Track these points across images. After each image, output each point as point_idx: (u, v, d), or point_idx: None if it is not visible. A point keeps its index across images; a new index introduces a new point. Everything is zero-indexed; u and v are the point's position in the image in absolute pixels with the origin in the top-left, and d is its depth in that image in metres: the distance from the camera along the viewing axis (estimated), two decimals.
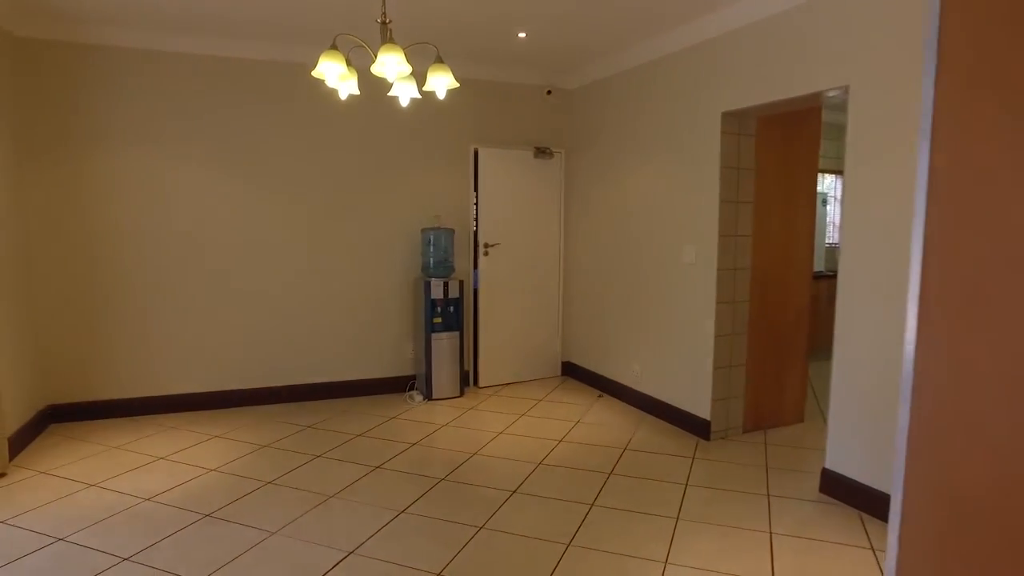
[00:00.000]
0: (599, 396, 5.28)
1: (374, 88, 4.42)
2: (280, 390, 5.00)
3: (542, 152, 5.58)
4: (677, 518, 3.11)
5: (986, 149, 0.96)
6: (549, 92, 5.64)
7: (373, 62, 2.62)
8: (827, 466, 3.39)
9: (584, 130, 5.56)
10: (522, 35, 4.44)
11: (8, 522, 3.00)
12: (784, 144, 4.27)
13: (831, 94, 3.43)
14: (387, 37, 2.64)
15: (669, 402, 4.56)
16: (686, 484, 3.51)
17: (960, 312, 1.02)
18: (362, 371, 5.24)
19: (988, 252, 0.97)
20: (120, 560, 2.68)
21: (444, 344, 5.11)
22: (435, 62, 2.84)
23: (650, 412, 4.75)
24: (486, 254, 5.44)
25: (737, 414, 4.28)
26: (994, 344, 0.97)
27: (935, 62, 1.01)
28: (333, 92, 4.58)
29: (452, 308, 5.11)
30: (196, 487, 3.44)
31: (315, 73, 2.64)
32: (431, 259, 5.15)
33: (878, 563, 2.69)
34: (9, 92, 4.04)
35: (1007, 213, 0.93)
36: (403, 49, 2.64)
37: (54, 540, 2.84)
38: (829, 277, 6.65)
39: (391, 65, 2.56)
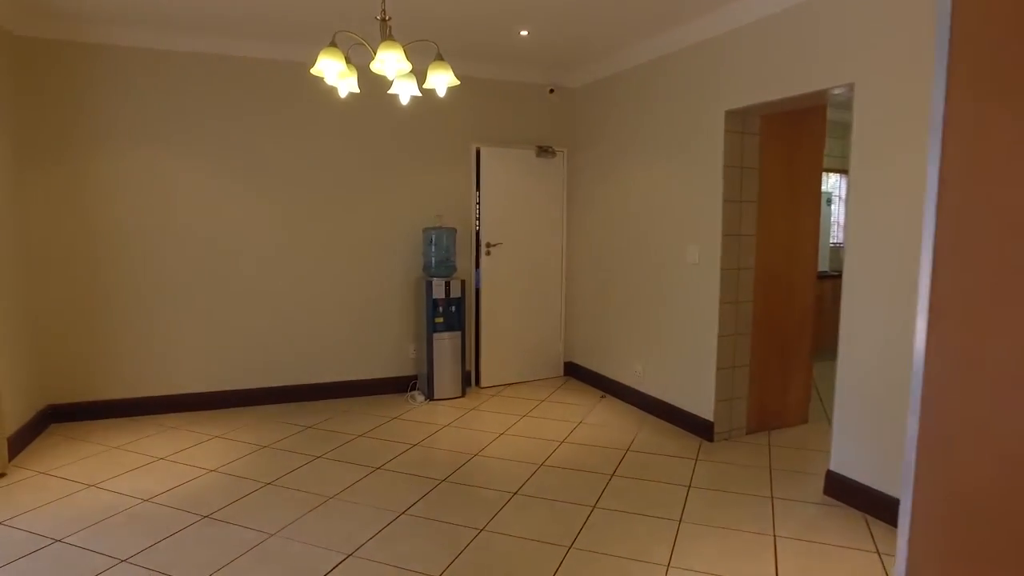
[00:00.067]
0: (602, 397, 5.25)
1: (375, 87, 4.40)
2: (281, 390, 4.98)
3: (544, 151, 5.55)
4: (680, 520, 3.07)
5: (997, 149, 0.93)
6: (552, 91, 5.61)
7: (372, 59, 2.59)
8: (832, 468, 3.35)
9: (587, 129, 5.53)
10: (524, 33, 4.41)
11: (6, 523, 2.99)
12: (788, 143, 4.23)
13: (836, 92, 3.39)
14: (387, 34, 2.61)
15: (672, 403, 4.53)
16: (689, 486, 3.48)
17: (971, 314, 0.98)
18: (363, 371, 5.22)
19: (999, 253, 0.94)
20: (118, 562, 2.66)
21: (446, 344, 5.09)
22: (435, 59, 2.81)
23: (653, 413, 4.72)
24: (488, 253, 5.41)
25: (740, 415, 4.24)
26: (1005, 346, 0.94)
27: (946, 61, 0.98)
28: (334, 91, 4.57)
29: (454, 308, 5.08)
30: (195, 488, 3.42)
31: (314, 71, 2.61)
32: (433, 259, 5.12)
33: (884, 567, 2.65)
34: (9, 91, 4.03)
35: (1019, 214, 0.90)
36: (403, 46, 2.61)
37: (52, 541, 2.82)
38: (833, 277, 6.61)
39: (390, 62, 2.53)
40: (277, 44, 4.64)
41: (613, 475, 3.63)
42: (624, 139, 5.00)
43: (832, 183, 7.54)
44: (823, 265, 6.97)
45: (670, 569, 2.65)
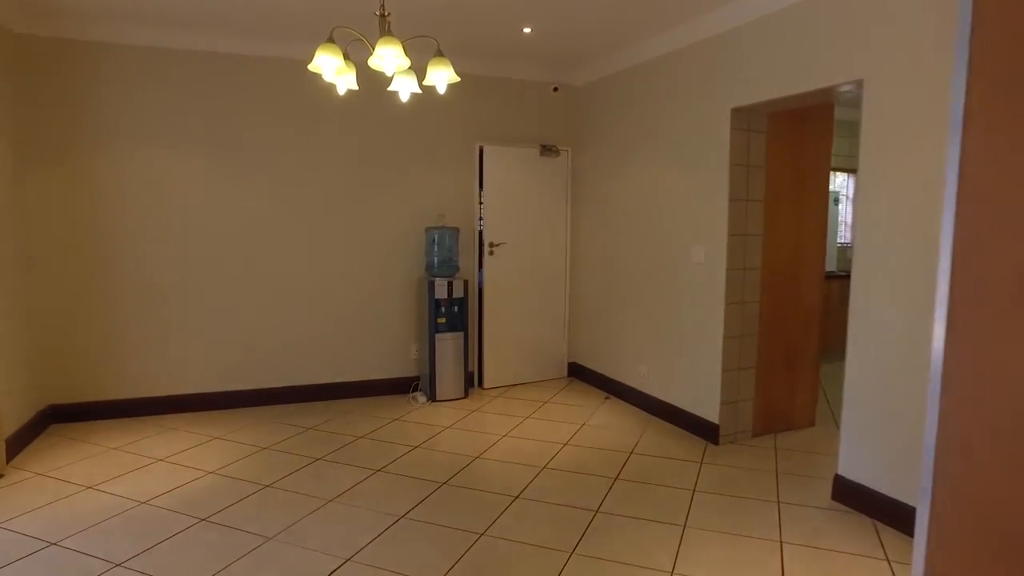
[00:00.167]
0: (606, 398, 5.19)
1: (377, 85, 4.36)
2: (282, 391, 4.94)
3: (548, 150, 5.50)
4: (684, 525, 3.02)
5: (1020, 145, 0.88)
6: (555, 89, 5.56)
7: (371, 56, 2.55)
8: (840, 472, 3.29)
9: (591, 127, 5.47)
10: (527, 30, 4.36)
11: (2, 525, 2.96)
12: (795, 141, 4.16)
13: (844, 89, 3.33)
14: (385, 30, 2.57)
15: (677, 405, 4.46)
16: (693, 490, 3.42)
17: (991, 315, 0.93)
18: (365, 372, 5.18)
19: (1021, 252, 0.88)
20: (112, 566, 2.63)
21: (448, 345, 5.04)
22: (435, 55, 2.77)
23: (657, 415, 4.66)
24: (491, 253, 5.36)
25: (746, 417, 4.18)
26: None
27: (967, 54, 0.92)
28: (334, 88, 4.53)
29: (456, 308, 5.03)
30: (193, 490, 3.38)
31: (311, 67, 2.57)
32: (435, 258, 5.08)
33: (893, 575, 2.59)
34: (8, 90, 4.01)
35: None
36: (402, 42, 2.56)
37: (47, 544, 2.79)
38: (841, 277, 6.53)
39: (389, 58, 2.48)
40: (278, 42, 4.61)
41: (616, 479, 3.58)
42: (629, 138, 4.94)
43: (839, 182, 7.46)
44: (830, 265, 6.89)
45: None
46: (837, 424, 4.45)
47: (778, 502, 3.27)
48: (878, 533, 2.94)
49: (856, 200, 3.20)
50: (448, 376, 5.07)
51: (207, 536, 2.89)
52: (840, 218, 7.47)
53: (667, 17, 4.05)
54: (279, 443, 4.10)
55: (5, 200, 3.90)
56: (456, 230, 5.16)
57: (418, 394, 5.17)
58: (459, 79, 2.91)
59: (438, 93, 4.87)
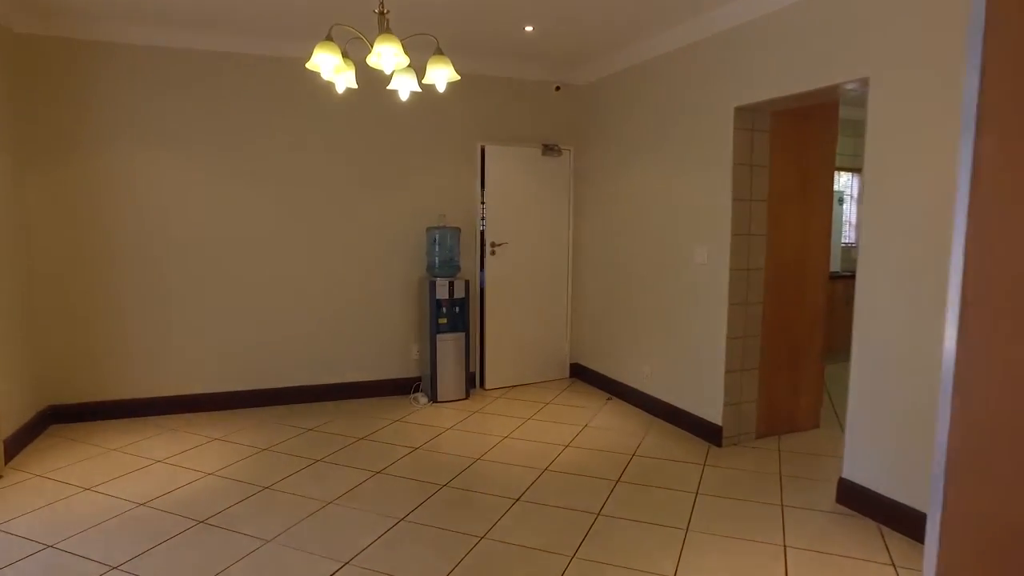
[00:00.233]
0: (608, 399, 5.15)
1: (378, 84, 4.32)
2: (283, 391, 4.92)
3: (550, 149, 5.46)
4: (687, 529, 2.98)
5: None
6: (557, 88, 5.52)
7: (369, 53, 2.52)
8: (844, 475, 3.25)
9: (593, 127, 5.44)
10: (529, 29, 4.33)
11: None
12: (799, 140, 4.12)
13: (849, 87, 3.29)
14: (384, 27, 2.54)
15: (679, 406, 4.43)
16: (696, 493, 3.38)
17: (1006, 315, 0.89)
18: (366, 372, 5.15)
19: None
20: (109, 569, 2.60)
21: (449, 345, 5.01)
22: (435, 53, 2.74)
23: (660, 416, 4.63)
24: (493, 253, 5.33)
25: (750, 419, 4.14)
26: None
27: (980, 48, 0.88)
28: (334, 87, 4.51)
29: (458, 308, 5.00)
30: (192, 492, 3.36)
31: (309, 65, 2.54)
32: (436, 258, 5.05)
33: None
34: (8, 89, 3.99)
35: None
36: (401, 40, 2.53)
37: (43, 547, 2.76)
38: (845, 277, 6.49)
39: (387, 56, 2.45)
40: (278, 41, 4.58)
41: (618, 481, 3.54)
42: (631, 137, 4.91)
43: (843, 182, 7.42)
44: (834, 265, 6.85)
45: None
46: (841, 426, 4.40)
47: (782, 505, 3.23)
48: (883, 537, 2.90)
49: (861, 200, 3.16)
50: (449, 377, 5.04)
51: (205, 538, 2.87)
52: (844, 218, 7.42)
53: (670, 15, 4.02)
54: (279, 444, 4.08)
55: (4, 200, 3.88)
56: (457, 230, 5.13)
57: (419, 395, 5.15)
58: (459, 77, 2.88)
59: (440, 92, 4.86)
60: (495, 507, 3.21)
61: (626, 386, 5.05)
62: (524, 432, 4.36)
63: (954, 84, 2.67)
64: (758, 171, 3.98)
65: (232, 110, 4.62)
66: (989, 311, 0.88)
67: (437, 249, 5.04)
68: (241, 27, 4.33)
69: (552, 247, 5.62)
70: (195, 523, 3.01)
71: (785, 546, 2.82)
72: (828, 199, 4.33)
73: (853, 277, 3.22)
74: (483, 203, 5.36)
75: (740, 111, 3.86)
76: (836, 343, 5.94)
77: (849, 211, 7.50)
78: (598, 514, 3.14)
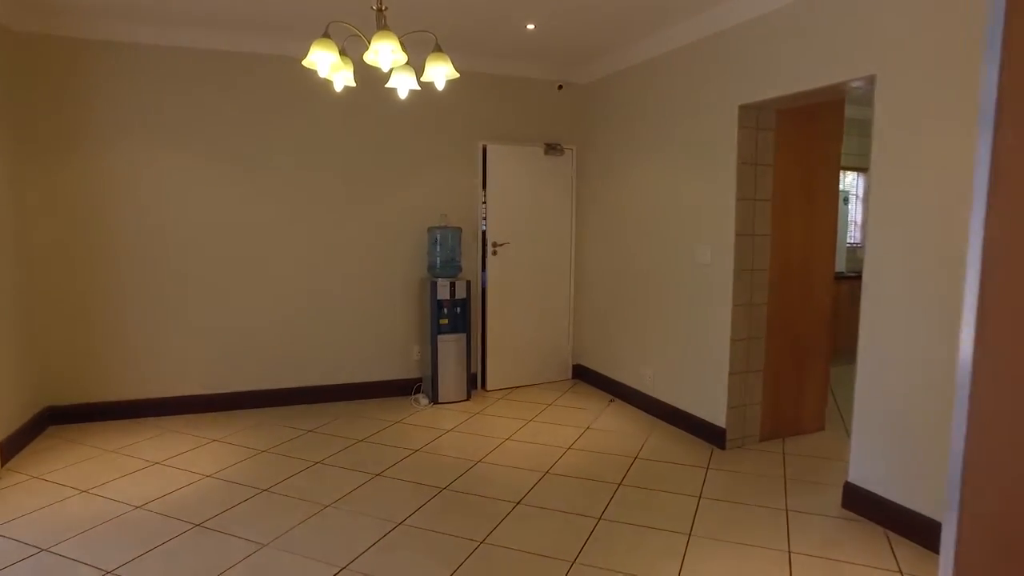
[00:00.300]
0: (611, 401, 5.11)
1: (378, 83, 4.29)
2: (282, 392, 4.89)
3: (553, 148, 5.42)
4: (690, 534, 2.93)
5: None
6: (560, 87, 5.48)
7: (366, 50, 2.48)
8: (850, 480, 3.19)
9: (596, 126, 5.39)
10: (530, 27, 4.28)
11: None
12: (804, 139, 4.07)
13: (855, 85, 3.23)
14: (382, 24, 2.50)
15: (683, 408, 4.38)
16: (699, 496, 3.34)
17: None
18: (367, 373, 5.11)
19: None
20: (103, 573, 2.57)
21: (451, 346, 4.97)
22: (433, 51, 2.69)
23: (663, 419, 4.58)
24: (494, 253, 5.29)
25: (754, 422, 4.09)
26: None
27: (1000, 37, 0.84)
28: (333, 86, 4.47)
29: (459, 309, 4.96)
30: (189, 494, 3.33)
31: (306, 63, 2.51)
32: (438, 259, 5.01)
33: None
34: (6, 88, 3.96)
35: None
36: (399, 38, 2.49)
37: (37, 551, 2.73)
38: (850, 278, 6.43)
39: (385, 53, 2.41)
40: (277, 39, 4.55)
41: (620, 484, 3.50)
42: (635, 136, 4.86)
43: (849, 181, 7.35)
44: (839, 266, 6.80)
45: None
46: (847, 428, 4.35)
47: (786, 510, 3.18)
48: (890, 543, 2.85)
49: (868, 199, 3.11)
50: (450, 378, 5.00)
51: (201, 542, 2.83)
52: (850, 218, 7.36)
53: (673, 12, 3.97)
54: (278, 446, 4.04)
55: (3, 200, 3.86)
56: (459, 230, 5.09)
57: (420, 396, 5.11)
58: (458, 75, 2.83)
59: (441, 91, 4.82)
60: (495, 511, 3.17)
61: (629, 388, 5.00)
62: (525, 434, 4.32)
63: (964, 81, 2.62)
64: (762, 170, 3.93)
65: (231, 110, 4.58)
66: (1009, 315, 0.84)
67: (438, 249, 5.00)
68: (240, 25, 4.29)
69: (554, 247, 5.57)
70: (191, 526, 2.98)
71: (790, 552, 2.77)
72: (833, 199, 4.28)
73: (858, 278, 3.17)
74: (485, 203, 5.31)
75: (744, 109, 3.81)
76: (841, 344, 5.89)
77: (854, 211, 7.44)
78: (599, 518, 3.09)
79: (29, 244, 4.22)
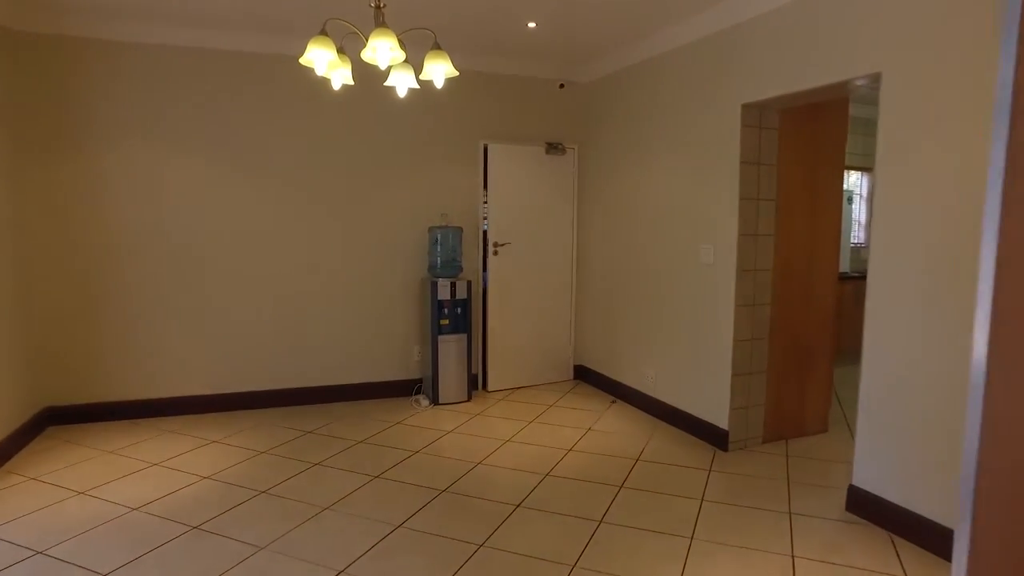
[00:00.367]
0: (612, 402, 5.07)
1: (378, 83, 4.27)
2: (282, 393, 4.86)
3: (554, 148, 5.38)
4: (692, 537, 2.90)
5: None
6: (562, 85, 5.44)
7: (364, 47, 2.45)
8: (854, 483, 3.15)
9: (598, 125, 5.36)
10: (532, 25, 4.25)
11: None
12: (808, 138, 4.03)
13: (859, 83, 3.19)
14: (380, 21, 2.47)
15: (685, 410, 4.34)
16: (702, 499, 3.30)
17: None
18: (367, 374, 5.09)
19: None
20: None
21: (451, 347, 4.94)
22: (432, 48, 2.66)
23: (665, 420, 4.54)
24: (495, 253, 5.26)
25: (757, 423, 4.05)
26: None
27: (1016, 30, 0.80)
28: (334, 85, 4.44)
29: (460, 309, 4.93)
30: (187, 496, 3.30)
31: (303, 60, 2.48)
32: (438, 259, 4.98)
33: None
34: (5, 87, 3.95)
35: None
36: (397, 35, 2.46)
37: (33, 553, 2.71)
38: (854, 279, 6.38)
39: (383, 50, 2.38)
40: (277, 38, 4.52)
41: (622, 486, 3.46)
42: (637, 135, 4.82)
43: (852, 181, 7.30)
44: (843, 266, 6.75)
45: None
46: (851, 430, 4.31)
47: (790, 513, 3.14)
48: (896, 548, 2.81)
49: (873, 199, 3.07)
50: (451, 379, 4.97)
51: (197, 545, 2.81)
52: (853, 217, 7.31)
53: (676, 10, 3.93)
54: (277, 447, 4.02)
55: (2, 199, 3.84)
56: (459, 230, 5.06)
57: (420, 397, 5.08)
58: (457, 73, 2.80)
59: (442, 90, 4.78)
60: (495, 513, 3.14)
61: (631, 389, 4.97)
62: (526, 435, 4.29)
63: (971, 79, 2.58)
64: (766, 170, 3.89)
65: (231, 109, 4.56)
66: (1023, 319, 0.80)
67: (439, 249, 4.97)
68: (239, 25, 4.27)
69: (556, 247, 5.54)
70: (188, 529, 2.95)
71: (793, 556, 2.73)
72: (837, 198, 4.23)
73: (862, 278, 3.13)
74: (486, 202, 5.29)
75: (747, 108, 3.77)
76: (844, 345, 5.84)
77: (858, 211, 7.39)
78: (600, 521, 3.06)
79: (28, 244, 4.20)
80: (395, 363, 5.17)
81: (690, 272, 4.25)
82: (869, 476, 3.08)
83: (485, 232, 5.31)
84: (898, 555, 2.74)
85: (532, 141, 5.35)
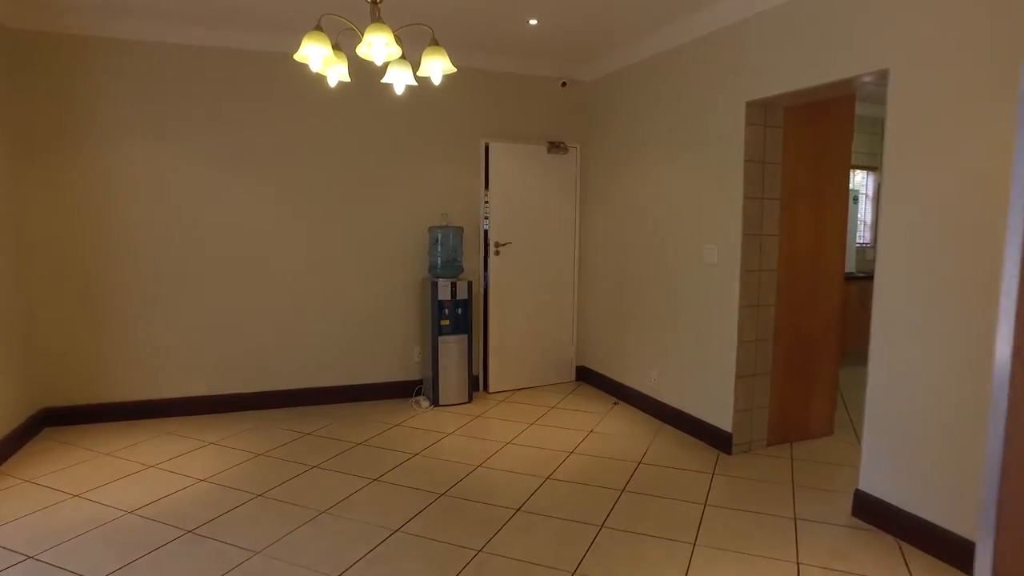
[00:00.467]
0: (615, 404, 5.01)
1: (378, 81, 4.22)
2: (281, 394, 4.82)
3: (556, 147, 5.33)
4: (694, 543, 2.84)
5: None
6: (564, 84, 5.39)
7: (359, 43, 2.40)
8: (861, 487, 3.09)
9: (600, 123, 5.30)
10: (533, 22, 4.20)
11: None
12: (813, 136, 3.97)
13: (866, 80, 3.13)
14: (376, 17, 2.42)
15: (688, 412, 4.28)
16: (705, 504, 3.24)
17: None
18: (367, 375, 5.04)
19: None
20: None
21: (452, 348, 4.89)
22: (430, 45, 2.61)
23: (668, 422, 4.48)
24: (497, 253, 5.20)
25: (761, 426, 3.99)
26: None
27: None
28: (337, 84, 4.39)
29: (460, 310, 4.88)
30: (182, 499, 3.26)
31: (297, 56, 2.43)
32: (439, 259, 4.93)
33: None
34: (4, 87, 3.91)
35: None
36: (394, 31, 2.41)
37: (24, 558, 2.67)
38: (860, 279, 6.31)
39: (378, 46, 2.33)
40: (276, 36, 4.48)
41: (623, 490, 3.41)
42: (640, 133, 4.76)
43: (858, 180, 7.23)
44: (849, 266, 6.68)
45: None
46: (856, 433, 4.24)
47: (795, 518, 3.08)
48: (904, 555, 2.75)
49: (880, 199, 3.00)
50: (451, 380, 4.92)
51: (191, 549, 2.76)
52: (859, 217, 7.24)
53: (680, 6, 3.87)
54: (275, 449, 3.97)
55: (0, 198, 3.81)
56: (460, 229, 5.01)
57: (421, 398, 5.03)
58: (455, 69, 2.75)
59: (443, 88, 4.75)
60: (494, 518, 3.08)
61: (633, 390, 4.91)
62: (527, 438, 4.23)
63: (984, 75, 2.51)
64: (770, 168, 3.83)
65: (231, 108, 4.52)
66: None
67: (439, 249, 4.92)
68: (242, 22, 4.22)
69: (557, 247, 5.49)
70: (183, 533, 2.91)
71: (798, 563, 2.67)
72: (843, 198, 4.17)
73: (868, 278, 3.07)
74: (487, 202, 5.24)
75: (752, 106, 3.71)
76: (850, 346, 5.78)
77: (864, 210, 7.31)
78: (601, 526, 3.00)
79: (26, 243, 4.16)
80: (395, 364, 5.12)
81: (694, 272, 4.19)
82: (876, 480, 3.02)
83: (486, 232, 5.26)
84: (906, 563, 2.68)
85: (534, 140, 5.30)
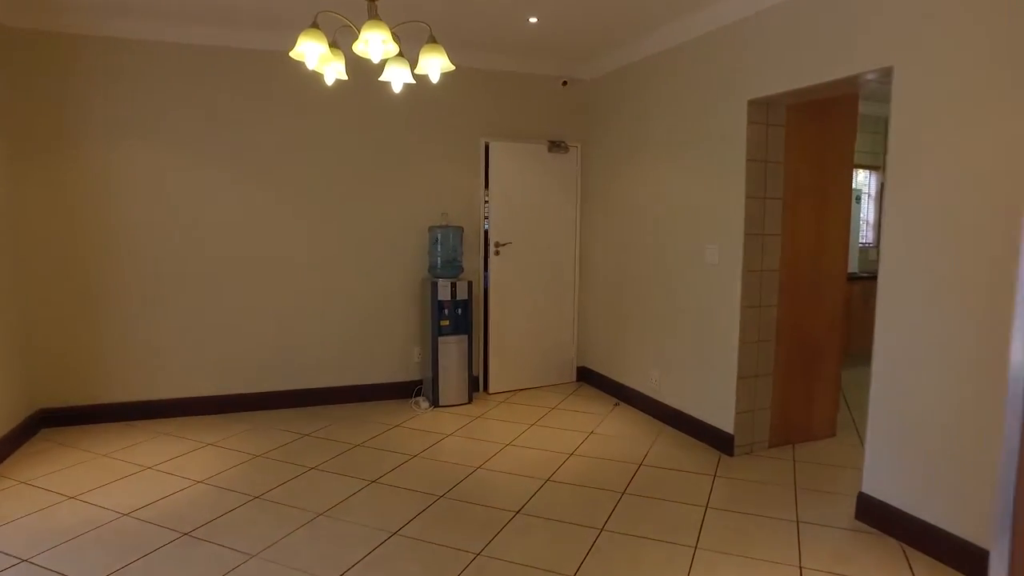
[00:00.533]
0: (615, 405, 4.98)
1: (375, 78, 4.18)
2: (280, 395, 4.79)
3: (557, 146, 5.30)
4: (695, 547, 2.81)
5: None
6: (564, 83, 5.36)
7: (356, 41, 2.37)
8: (864, 490, 3.06)
9: (601, 122, 5.27)
10: (533, 20, 4.16)
11: None
12: (816, 135, 3.93)
13: (869, 77, 3.09)
14: (372, 13, 2.39)
15: (690, 413, 4.25)
16: (706, 506, 3.21)
17: None
18: (366, 376, 5.01)
19: None
20: None
21: (452, 348, 4.86)
22: (428, 42, 2.58)
23: (669, 423, 4.45)
24: (497, 253, 5.17)
25: (763, 427, 3.96)
26: None
27: None
28: (336, 83, 4.37)
29: (460, 310, 4.85)
30: (179, 501, 3.23)
31: (293, 54, 2.40)
32: (439, 259, 4.90)
33: None
34: (3, 87, 3.89)
35: None
36: (391, 28, 2.38)
37: (18, 561, 2.64)
38: (862, 279, 6.27)
39: (375, 43, 2.30)
40: (274, 34, 4.45)
41: (624, 493, 3.38)
42: (641, 132, 4.73)
43: (860, 180, 7.19)
44: (851, 266, 6.64)
45: None
46: (859, 435, 4.21)
47: (797, 521, 3.05)
48: (907, 558, 2.71)
49: (884, 198, 2.97)
50: (451, 380, 4.89)
51: (187, 552, 2.73)
52: (862, 216, 7.19)
53: (681, 4, 3.83)
54: (273, 450, 3.95)
55: None
56: (460, 229, 4.98)
57: (420, 399, 5.00)
58: (453, 67, 2.72)
59: (442, 88, 4.72)
60: (494, 520, 3.05)
61: (634, 391, 4.88)
62: (527, 439, 4.20)
63: (989, 72, 2.48)
64: (772, 168, 3.79)
65: (230, 108, 4.49)
66: None
67: (439, 249, 4.89)
68: (241, 21, 4.20)
69: (558, 247, 5.45)
70: (179, 535, 2.88)
71: (801, 567, 2.64)
72: (846, 197, 4.13)
73: (871, 278, 3.04)
74: (487, 201, 5.21)
75: (754, 104, 3.68)
76: (853, 347, 5.74)
77: (866, 210, 7.27)
78: (602, 529, 2.97)
79: (24, 243, 4.14)
80: (395, 364, 5.09)
81: (695, 272, 4.15)
82: (880, 483, 2.98)
83: (486, 231, 5.23)
84: (910, 567, 2.65)
85: (534, 139, 5.27)
